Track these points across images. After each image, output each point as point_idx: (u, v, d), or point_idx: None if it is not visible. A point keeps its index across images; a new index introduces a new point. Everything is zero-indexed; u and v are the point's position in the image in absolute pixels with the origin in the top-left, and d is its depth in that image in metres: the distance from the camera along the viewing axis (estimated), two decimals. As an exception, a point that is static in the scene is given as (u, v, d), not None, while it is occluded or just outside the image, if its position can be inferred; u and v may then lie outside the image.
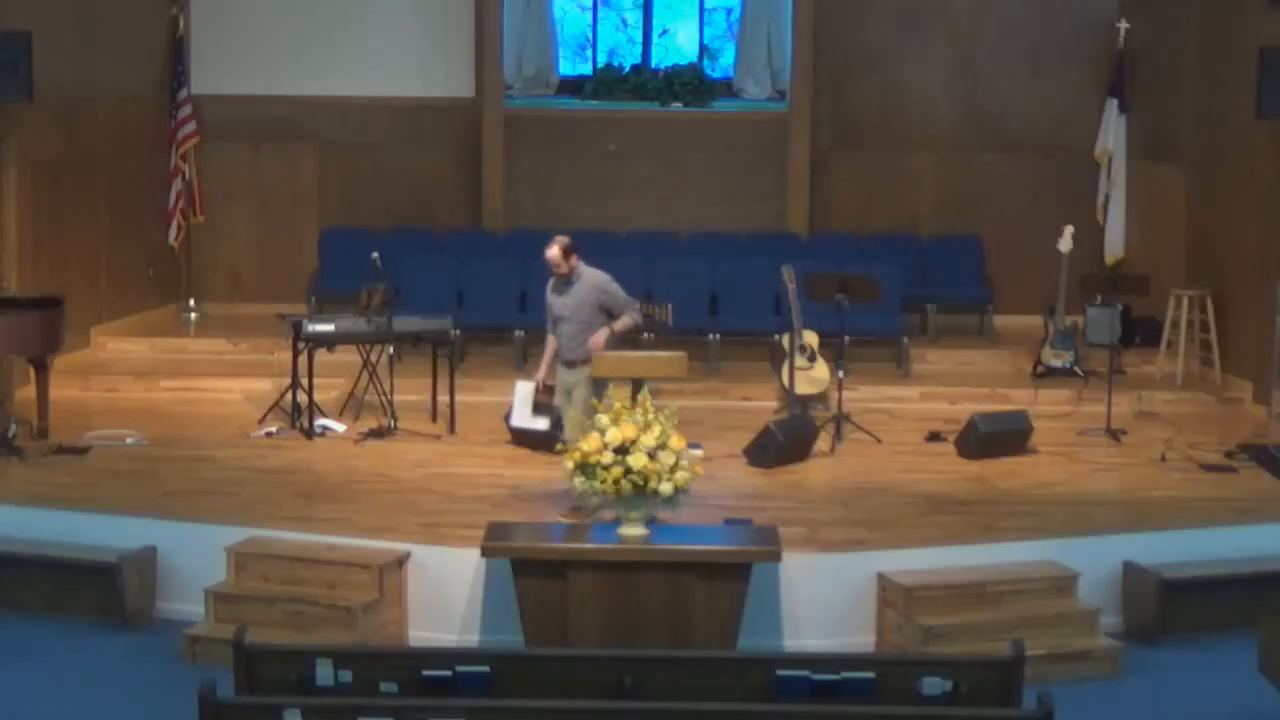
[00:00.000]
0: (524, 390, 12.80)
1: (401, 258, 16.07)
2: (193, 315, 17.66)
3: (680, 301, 15.04)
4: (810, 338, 14.50)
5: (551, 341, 11.96)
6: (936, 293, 16.88)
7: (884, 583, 10.95)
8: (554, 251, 11.56)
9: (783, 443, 13.13)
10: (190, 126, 17.44)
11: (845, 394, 14.07)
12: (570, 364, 11.62)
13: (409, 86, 17.70)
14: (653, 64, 18.63)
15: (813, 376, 14.49)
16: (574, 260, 11.57)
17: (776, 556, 10.48)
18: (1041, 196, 17.57)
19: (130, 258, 16.87)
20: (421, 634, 10.97)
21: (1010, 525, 11.68)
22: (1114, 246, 17.28)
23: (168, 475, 12.72)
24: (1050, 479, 12.92)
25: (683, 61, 18.65)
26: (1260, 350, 14.77)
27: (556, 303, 11.68)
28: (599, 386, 11.28)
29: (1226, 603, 11.13)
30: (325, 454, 13.37)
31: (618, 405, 10.46)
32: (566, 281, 11.61)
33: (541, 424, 12.72)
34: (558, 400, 11.93)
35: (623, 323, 11.62)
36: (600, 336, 11.55)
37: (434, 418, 14.18)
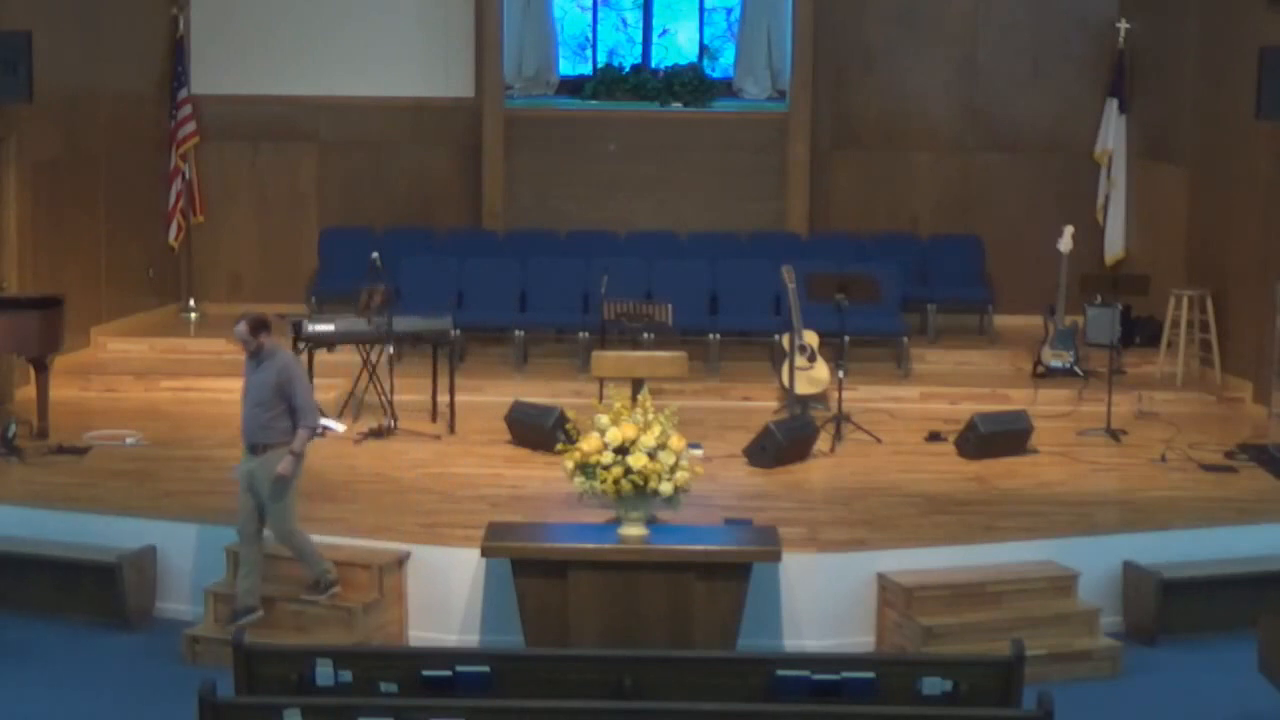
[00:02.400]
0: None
1: (401, 258, 16.08)
2: (192, 315, 17.66)
3: (680, 301, 15.03)
4: (810, 338, 14.51)
5: None
6: (936, 293, 16.87)
7: (884, 583, 10.95)
8: (241, 328, 10.53)
9: (783, 443, 13.13)
10: (190, 126, 17.44)
11: (845, 394, 14.07)
12: (251, 448, 10.56)
13: (409, 86, 17.69)
14: (653, 64, 18.62)
15: (813, 376, 14.49)
16: (263, 338, 10.52)
17: (776, 556, 10.48)
18: (1041, 196, 17.56)
19: (130, 258, 16.87)
20: (421, 634, 10.98)
21: (1010, 525, 11.68)
22: (1114, 246, 17.28)
23: (168, 475, 12.72)
24: (1050, 479, 12.92)
25: (683, 61, 18.64)
26: (1260, 350, 14.76)
27: (245, 379, 10.66)
28: (283, 483, 10.48)
29: (1226, 603, 11.14)
30: (325, 454, 13.35)
31: (618, 405, 10.46)
32: (256, 359, 10.57)
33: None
34: (240, 487, 10.72)
35: (300, 439, 10.50)
36: (286, 465, 10.45)
37: (434, 418, 14.19)
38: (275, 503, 10.52)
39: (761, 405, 14.85)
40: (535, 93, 18.31)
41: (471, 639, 10.89)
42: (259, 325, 10.54)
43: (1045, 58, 17.64)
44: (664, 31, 18.83)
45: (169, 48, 17.47)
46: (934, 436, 14.05)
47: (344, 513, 11.76)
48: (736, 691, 8.57)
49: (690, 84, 18.13)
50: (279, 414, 10.48)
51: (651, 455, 10.24)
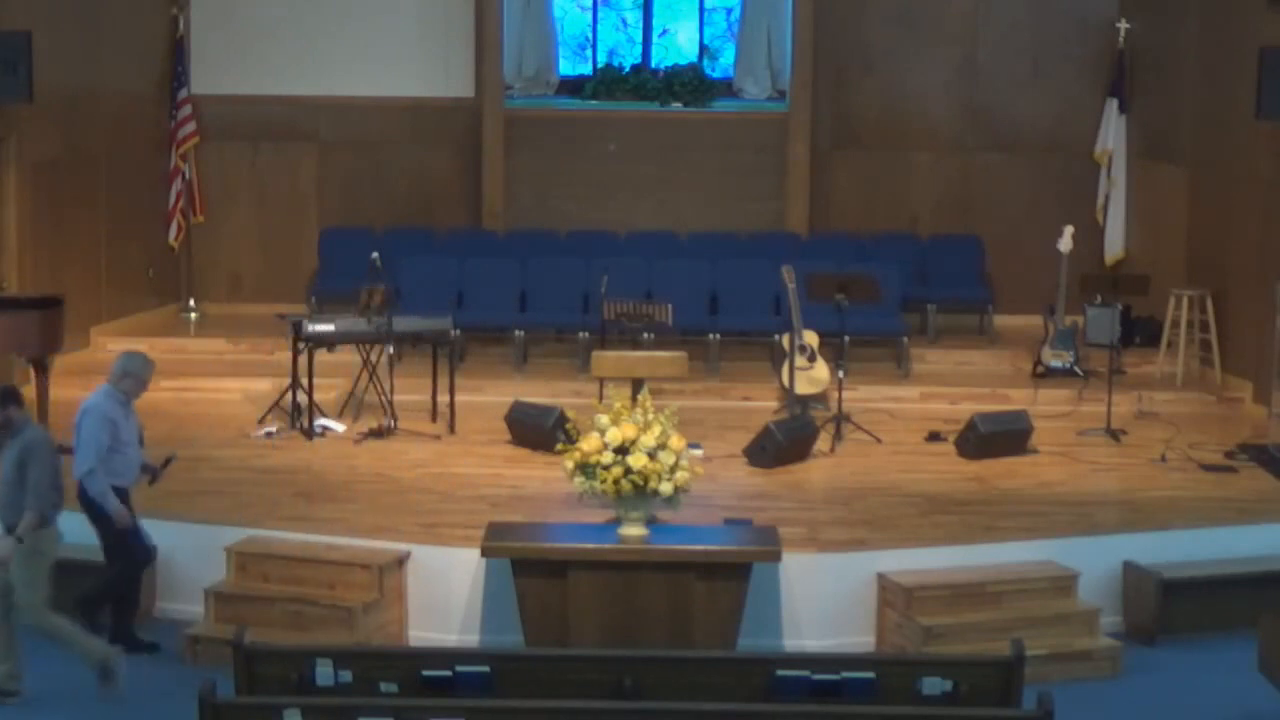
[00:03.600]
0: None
1: (401, 258, 16.08)
2: (192, 315, 17.65)
3: (680, 301, 15.03)
4: (810, 338, 14.50)
5: None
6: (936, 293, 16.88)
7: (884, 583, 10.95)
8: None
9: (783, 443, 13.13)
10: (190, 126, 17.43)
11: (845, 394, 14.06)
12: (6, 528, 9.93)
13: (409, 86, 17.69)
14: (653, 64, 18.62)
15: (813, 376, 14.48)
16: (11, 411, 9.90)
17: (776, 556, 10.48)
18: (1041, 196, 17.56)
19: (130, 258, 16.87)
20: (421, 634, 10.97)
21: (1010, 525, 11.68)
22: (1114, 246, 17.28)
23: (168, 475, 12.69)
24: (1050, 479, 12.92)
25: (683, 61, 18.64)
26: (1260, 350, 14.76)
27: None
28: (36, 565, 9.91)
29: (1226, 603, 11.14)
30: (325, 454, 13.37)
31: (618, 405, 10.45)
32: (6, 432, 9.94)
33: None
34: None
35: (25, 522, 9.80)
36: (3, 547, 9.83)
37: (434, 418, 14.18)
38: (21, 586, 9.91)
39: (761, 405, 14.85)
40: (535, 93, 18.31)
41: (471, 639, 10.88)
42: (6, 398, 9.93)
43: (1045, 58, 17.63)
44: (664, 31, 18.83)
45: (169, 48, 17.47)
46: (934, 436, 14.05)
47: (344, 513, 11.76)
48: (736, 691, 8.57)
49: (690, 84, 18.13)
50: (24, 493, 9.89)
51: (651, 455, 10.23)
